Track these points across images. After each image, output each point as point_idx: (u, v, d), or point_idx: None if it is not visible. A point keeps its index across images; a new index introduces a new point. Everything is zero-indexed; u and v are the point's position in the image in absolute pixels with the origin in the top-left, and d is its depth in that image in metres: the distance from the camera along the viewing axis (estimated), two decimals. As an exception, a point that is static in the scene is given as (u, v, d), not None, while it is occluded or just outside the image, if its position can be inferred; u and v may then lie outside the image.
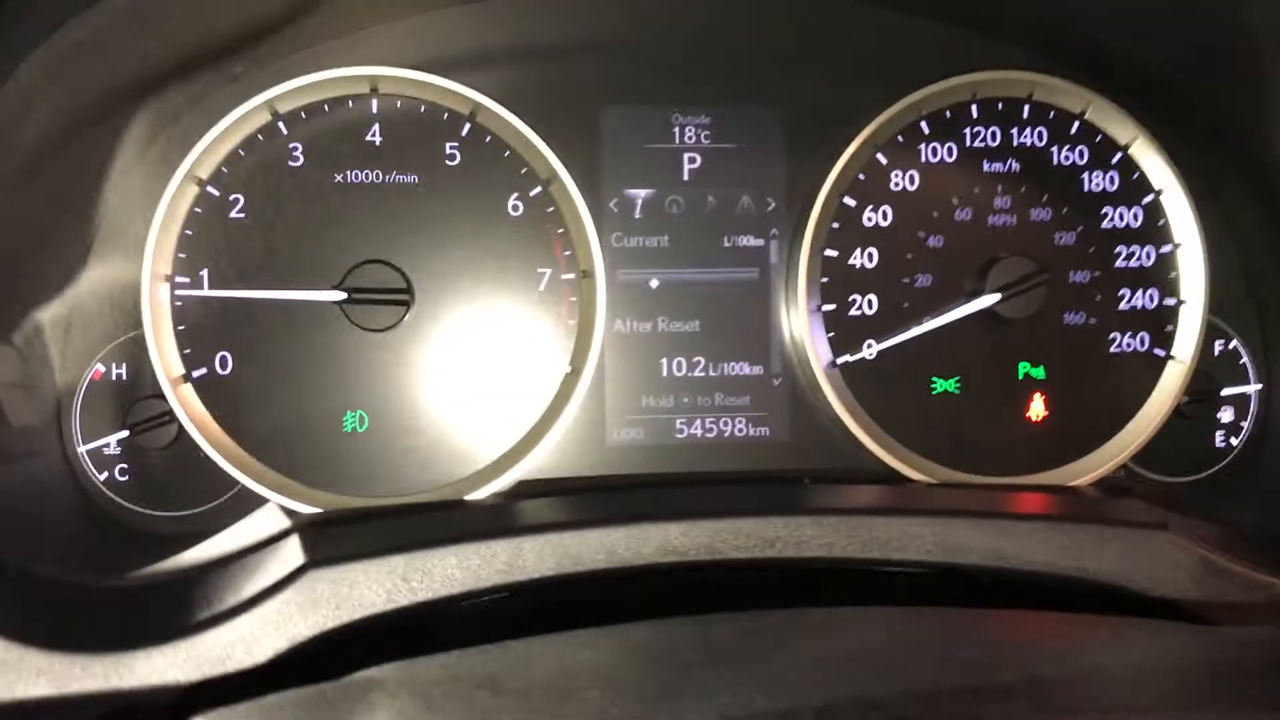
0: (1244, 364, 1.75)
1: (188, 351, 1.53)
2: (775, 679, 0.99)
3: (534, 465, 1.59)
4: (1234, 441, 1.76)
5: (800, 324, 1.65)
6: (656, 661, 1.06)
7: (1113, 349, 1.69)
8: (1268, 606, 1.28)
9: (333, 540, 1.30)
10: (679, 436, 1.68)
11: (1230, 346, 1.75)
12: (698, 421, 1.68)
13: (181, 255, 1.53)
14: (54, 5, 1.19)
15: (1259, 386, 1.75)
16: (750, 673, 1.01)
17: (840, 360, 1.66)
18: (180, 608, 1.19)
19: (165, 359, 1.52)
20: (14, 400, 1.46)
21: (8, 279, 1.43)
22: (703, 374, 1.68)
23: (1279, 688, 1.01)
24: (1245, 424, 1.76)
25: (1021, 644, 1.13)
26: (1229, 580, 1.29)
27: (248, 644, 1.12)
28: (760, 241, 1.69)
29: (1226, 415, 1.76)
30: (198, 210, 1.53)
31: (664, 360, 1.68)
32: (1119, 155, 1.69)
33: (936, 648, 1.11)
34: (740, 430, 1.69)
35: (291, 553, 1.24)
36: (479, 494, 1.57)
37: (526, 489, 1.60)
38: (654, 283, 1.68)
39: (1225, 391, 1.75)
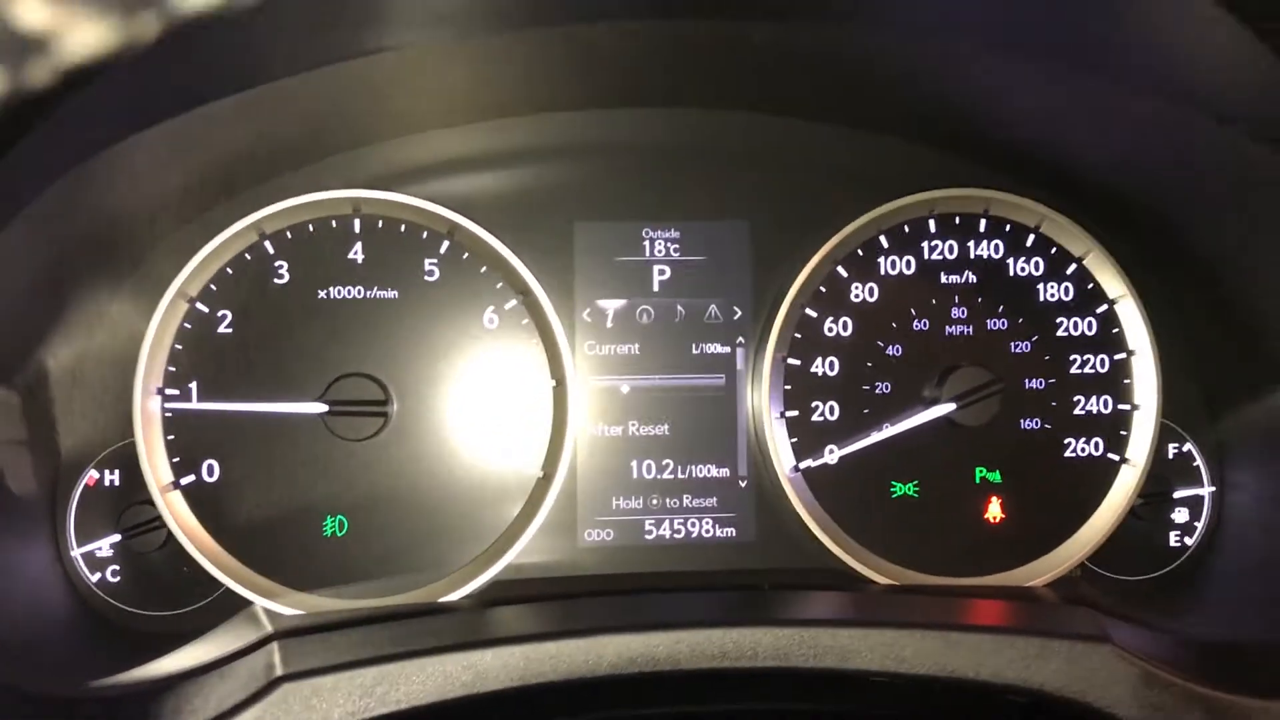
0: (1197, 466, 1.79)
1: (176, 460, 1.61)
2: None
3: (508, 564, 1.65)
4: (1188, 541, 1.80)
5: (764, 429, 1.71)
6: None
7: (1067, 453, 1.75)
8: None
9: (306, 651, 1.36)
10: (648, 537, 1.74)
11: (1184, 449, 1.80)
12: (666, 522, 1.74)
13: (171, 369, 1.61)
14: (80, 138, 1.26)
15: (1212, 489, 1.80)
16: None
17: (803, 465, 1.72)
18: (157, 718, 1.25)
19: (155, 467, 1.59)
20: (13, 459, 1.53)
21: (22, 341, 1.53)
22: (671, 476, 1.75)
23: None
24: (1198, 524, 1.80)
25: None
26: (1169, 693, 1.33)
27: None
28: (727, 349, 1.76)
29: (1180, 516, 1.80)
30: (187, 326, 1.61)
31: (634, 463, 1.74)
32: (1074, 266, 1.75)
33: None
34: (708, 531, 1.75)
35: (266, 663, 1.31)
36: (454, 595, 1.63)
37: (500, 589, 1.66)
38: (625, 389, 1.74)
39: (1178, 494, 1.79)
